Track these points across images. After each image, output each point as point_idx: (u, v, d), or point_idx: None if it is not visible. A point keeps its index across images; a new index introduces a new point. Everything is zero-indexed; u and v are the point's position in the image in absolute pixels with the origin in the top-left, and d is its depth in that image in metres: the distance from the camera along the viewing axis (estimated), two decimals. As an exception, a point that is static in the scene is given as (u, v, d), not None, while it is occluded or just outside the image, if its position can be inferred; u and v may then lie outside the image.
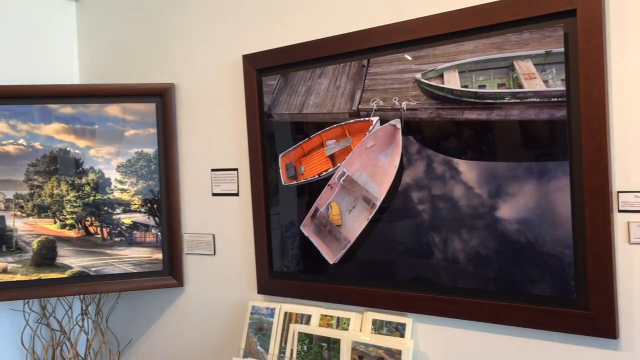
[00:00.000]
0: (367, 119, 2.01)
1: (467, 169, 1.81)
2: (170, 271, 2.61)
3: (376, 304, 2.04)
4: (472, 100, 1.78)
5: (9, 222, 2.49)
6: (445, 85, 1.83)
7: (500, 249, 1.77)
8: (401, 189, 1.95)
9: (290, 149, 2.23)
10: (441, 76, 1.84)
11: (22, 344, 2.71)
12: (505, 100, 1.73)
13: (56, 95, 2.51)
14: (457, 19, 1.80)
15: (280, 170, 2.26)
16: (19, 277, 2.47)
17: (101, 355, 2.79)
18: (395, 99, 1.94)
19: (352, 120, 2.05)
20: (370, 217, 2.02)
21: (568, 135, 1.65)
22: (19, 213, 2.49)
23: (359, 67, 2.03)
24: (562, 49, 1.64)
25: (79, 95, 2.54)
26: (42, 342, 2.74)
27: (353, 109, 2.04)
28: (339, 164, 2.10)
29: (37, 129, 2.50)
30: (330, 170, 2.13)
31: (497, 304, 1.78)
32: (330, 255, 2.14)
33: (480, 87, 1.77)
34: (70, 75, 2.96)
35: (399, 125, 1.94)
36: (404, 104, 1.92)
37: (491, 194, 1.78)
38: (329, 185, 2.13)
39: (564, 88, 1.65)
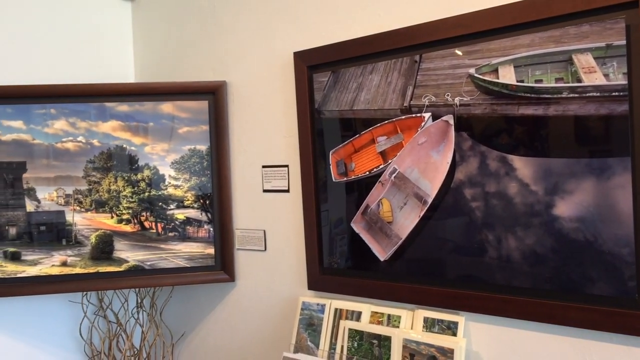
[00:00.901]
0: (418, 115, 2.00)
1: (523, 166, 1.78)
2: (222, 266, 2.65)
3: (427, 302, 2.02)
4: (528, 95, 1.74)
5: (69, 217, 2.57)
6: (500, 80, 1.80)
7: (557, 247, 1.73)
8: (454, 186, 1.93)
9: (340, 145, 2.23)
10: (496, 71, 1.81)
11: (81, 334, 2.80)
12: (563, 95, 1.69)
13: (113, 93, 2.58)
14: (513, 13, 1.77)
15: (331, 166, 2.26)
16: (78, 270, 2.56)
17: (155, 348, 2.86)
18: (447, 95, 1.91)
19: (403, 117, 2.04)
20: (421, 214, 2.00)
21: (630, 131, 1.60)
22: (77, 208, 2.58)
23: (411, 62, 2.01)
24: (624, 42, 1.59)
25: (134, 94, 2.61)
26: (99, 333, 2.83)
27: (404, 105, 2.03)
28: (390, 161, 2.09)
29: (95, 126, 2.58)
30: (381, 166, 2.12)
31: (554, 304, 1.74)
32: (381, 252, 2.13)
33: (537, 81, 1.73)
34: (126, 74, 3.04)
35: (451, 122, 1.91)
36: (456, 100, 1.90)
37: (547, 191, 1.73)
38: (379, 182, 2.12)
39: (625, 82, 1.59)
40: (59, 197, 2.56)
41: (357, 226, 2.20)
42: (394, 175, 2.08)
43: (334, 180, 2.26)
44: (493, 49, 1.82)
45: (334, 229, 2.28)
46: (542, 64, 1.72)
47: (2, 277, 2.49)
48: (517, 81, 1.76)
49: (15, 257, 2.51)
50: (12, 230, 2.52)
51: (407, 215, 2.05)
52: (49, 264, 2.53)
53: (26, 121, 2.52)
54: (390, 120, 2.07)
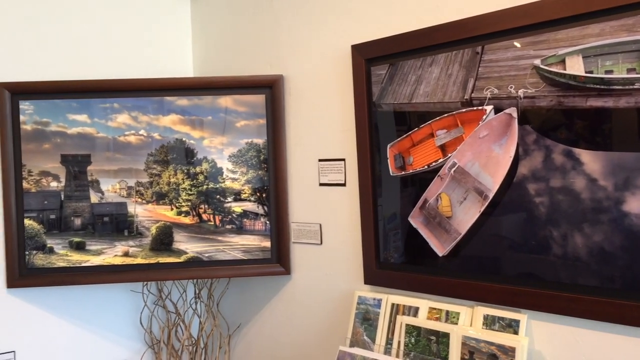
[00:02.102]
0: (480, 108, 1.95)
1: (591, 160, 1.71)
2: (278, 259, 2.67)
3: (488, 299, 1.98)
4: (598, 86, 1.68)
5: (130, 208, 2.64)
6: (567, 72, 1.73)
7: (627, 244, 1.66)
8: (516, 181, 1.87)
9: (398, 139, 2.20)
10: (563, 62, 1.75)
11: (141, 323, 2.88)
12: (635, 86, 1.61)
13: (173, 88, 2.63)
14: (581, 1, 1.70)
15: (389, 160, 2.24)
16: (139, 261, 2.62)
17: (212, 338, 2.91)
18: (511, 87, 1.86)
19: (464, 110, 2.00)
20: (482, 209, 1.96)
21: None
22: (139, 200, 2.64)
23: (473, 54, 1.96)
24: None
25: (193, 88, 2.65)
26: (159, 322, 2.89)
27: (465, 97, 1.98)
28: (449, 155, 2.05)
29: (155, 120, 2.64)
30: (440, 160, 2.08)
31: (624, 304, 1.67)
32: (440, 247, 2.10)
33: (607, 72, 1.66)
34: (185, 68, 3.09)
35: (515, 114, 1.86)
36: (520, 92, 1.84)
37: (617, 186, 1.66)
38: (438, 176, 2.09)
39: None
40: (121, 189, 2.63)
41: (415, 221, 2.17)
42: (453, 169, 2.04)
43: (391, 174, 2.24)
44: (560, 39, 1.75)
45: (392, 223, 2.26)
46: (613, 54, 1.65)
47: (68, 266, 2.58)
48: (586, 72, 1.70)
49: (80, 247, 2.60)
50: (77, 221, 2.61)
51: (467, 210, 2.01)
52: (112, 254, 2.61)
53: (91, 115, 2.60)
54: (451, 113, 2.03)
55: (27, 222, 2.56)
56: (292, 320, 2.68)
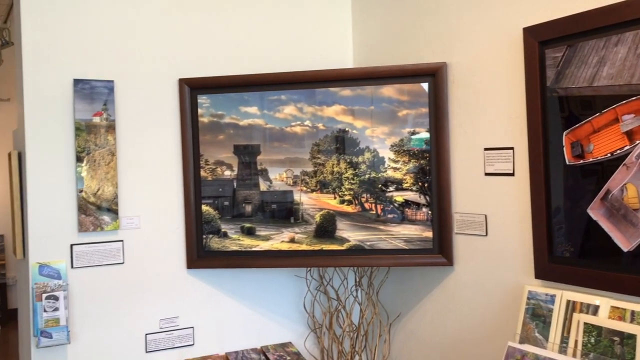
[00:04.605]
0: (676, 89, 1.77)
1: None
2: (440, 250, 2.63)
3: (683, 300, 1.80)
4: None
5: (296, 197, 2.75)
6: None
7: None
8: None
9: (576, 125, 2.06)
10: None
11: (305, 307, 2.99)
12: None
13: (337, 79, 2.69)
14: None
15: (565, 148, 2.11)
16: (304, 247, 2.72)
17: (373, 326, 2.95)
18: None
19: (656, 92, 1.82)
20: (678, 201, 1.78)
21: None
22: (304, 188, 2.74)
23: (668, 30, 1.78)
24: None
25: (356, 78, 2.69)
26: (321, 307, 2.99)
27: (658, 78, 1.81)
28: (637, 142, 1.88)
29: (320, 111, 2.72)
30: (626, 148, 1.92)
31: None
32: (624, 242, 1.94)
33: None
34: (345, 59, 3.14)
35: None
36: None
37: None
38: (624, 164, 1.92)
39: None
40: (288, 178, 2.75)
41: (595, 213, 2.03)
42: (642, 157, 1.87)
43: (567, 163, 2.10)
44: None
45: (567, 215, 2.12)
46: None
47: (240, 250, 2.74)
48: None
49: (250, 232, 2.75)
50: (248, 208, 2.77)
51: (659, 202, 1.84)
52: (279, 239, 2.74)
53: (260, 107, 2.74)
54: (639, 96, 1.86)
55: (204, 208, 2.76)
56: (453, 312, 2.64)
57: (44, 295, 2.43)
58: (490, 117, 2.43)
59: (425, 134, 2.62)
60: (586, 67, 2.01)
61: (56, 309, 2.45)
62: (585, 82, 2.02)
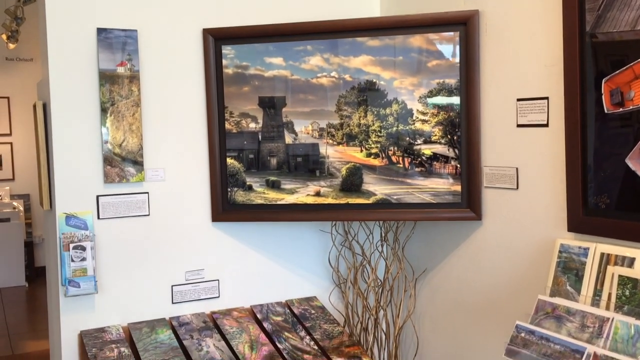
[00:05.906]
0: None
1: None
2: (468, 204, 2.58)
3: None
4: None
5: (322, 149, 2.71)
6: None
7: None
8: None
9: (617, 72, 1.97)
10: None
11: (329, 262, 2.98)
12: None
13: (365, 28, 2.61)
14: None
15: (603, 96, 2.03)
16: (329, 201, 2.69)
17: (398, 281, 2.93)
18: None
19: None
20: None
21: None
22: (330, 141, 2.70)
23: None
24: None
25: (384, 27, 2.61)
26: (346, 262, 2.97)
27: None
28: (682, 87, 1.80)
29: (346, 61, 2.65)
30: (669, 94, 1.84)
31: None
32: (664, 193, 1.87)
33: None
34: (371, 9, 3.03)
35: None
36: None
37: None
38: (667, 111, 1.84)
39: None
40: (313, 131, 2.70)
41: (634, 162, 1.95)
42: (687, 103, 1.79)
43: (606, 111, 2.02)
44: None
45: (602, 166, 2.05)
46: None
47: (265, 203, 2.72)
48: None
49: (275, 186, 2.72)
50: (273, 161, 2.73)
51: (703, 150, 1.76)
52: (305, 193, 2.70)
53: (286, 58, 2.68)
54: (686, 38, 1.77)
55: (229, 161, 2.73)
56: (482, 266, 2.60)
57: (72, 245, 2.44)
58: (524, 67, 2.34)
59: (455, 85, 2.54)
60: (629, 10, 1.92)
61: (83, 259, 2.46)
62: (628, 26, 1.92)
